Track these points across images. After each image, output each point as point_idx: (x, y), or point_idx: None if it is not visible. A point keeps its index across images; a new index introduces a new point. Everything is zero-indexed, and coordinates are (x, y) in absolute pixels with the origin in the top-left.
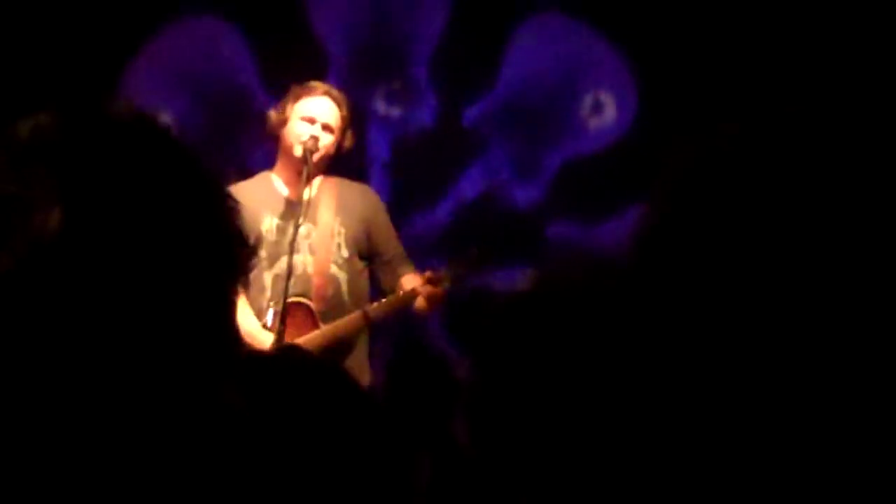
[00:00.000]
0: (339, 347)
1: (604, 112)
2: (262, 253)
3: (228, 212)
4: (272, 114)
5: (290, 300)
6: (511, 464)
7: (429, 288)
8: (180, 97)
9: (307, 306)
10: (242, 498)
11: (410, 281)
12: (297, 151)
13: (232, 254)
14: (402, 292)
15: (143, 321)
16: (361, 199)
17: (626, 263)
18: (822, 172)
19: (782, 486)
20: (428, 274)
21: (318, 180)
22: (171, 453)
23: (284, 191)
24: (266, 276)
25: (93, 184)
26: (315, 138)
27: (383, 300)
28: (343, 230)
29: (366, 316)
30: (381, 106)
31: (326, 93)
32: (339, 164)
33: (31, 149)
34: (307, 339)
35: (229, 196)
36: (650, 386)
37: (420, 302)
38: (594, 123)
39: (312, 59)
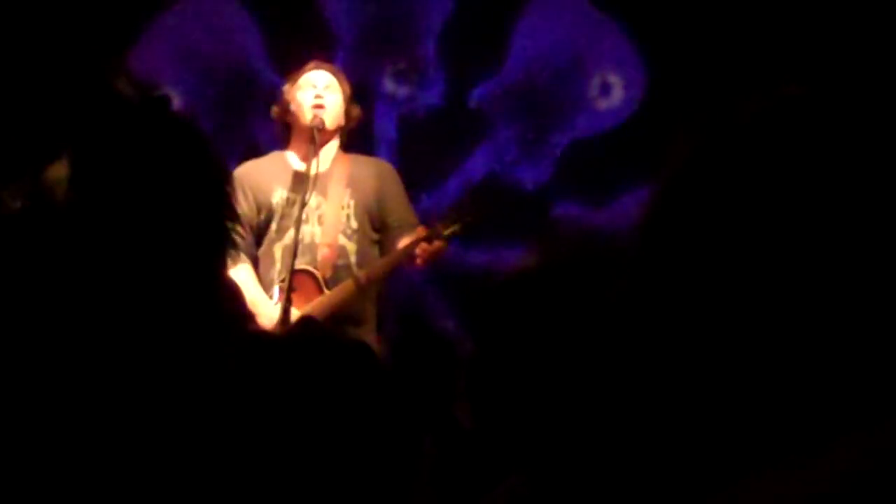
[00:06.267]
0: (346, 319)
1: (611, 93)
2: (273, 226)
3: (219, 184)
4: (275, 109)
5: (296, 269)
6: (510, 440)
7: (424, 244)
8: (188, 76)
9: (313, 275)
10: (248, 474)
11: (404, 242)
12: (307, 116)
13: (219, 224)
14: (392, 252)
15: (130, 279)
16: (373, 172)
17: (630, 244)
18: (833, 156)
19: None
20: (420, 230)
21: (331, 156)
22: (162, 409)
23: (297, 165)
24: (276, 249)
25: (99, 146)
26: (321, 107)
27: (374, 264)
28: (352, 202)
29: (357, 281)
30: (388, 85)
31: (319, 66)
32: (348, 143)
33: (55, 111)
34: (309, 307)
35: (222, 169)
36: (649, 365)
37: (417, 259)
38: (601, 104)
39: (319, 37)
